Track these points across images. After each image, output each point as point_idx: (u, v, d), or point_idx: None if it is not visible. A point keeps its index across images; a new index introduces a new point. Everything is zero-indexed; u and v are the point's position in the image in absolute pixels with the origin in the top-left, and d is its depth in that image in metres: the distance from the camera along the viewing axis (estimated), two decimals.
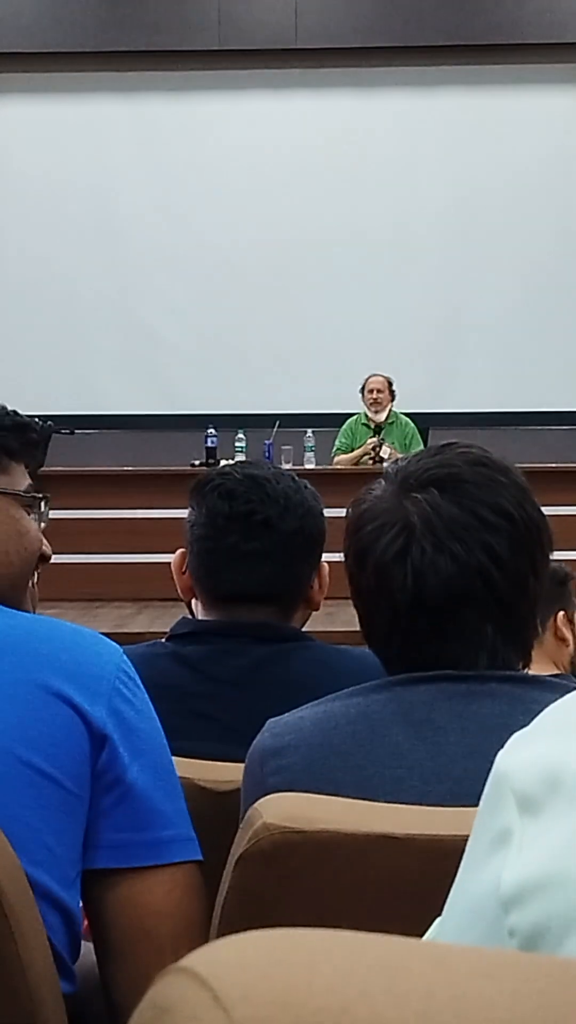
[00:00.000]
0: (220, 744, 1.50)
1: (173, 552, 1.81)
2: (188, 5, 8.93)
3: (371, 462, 7.21)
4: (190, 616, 1.81)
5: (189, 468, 7.01)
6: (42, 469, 1.47)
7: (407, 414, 7.68)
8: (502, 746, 0.63)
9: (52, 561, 1.44)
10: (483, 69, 8.95)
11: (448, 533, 1.19)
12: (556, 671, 2.36)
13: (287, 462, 7.18)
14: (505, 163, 8.89)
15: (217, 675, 1.65)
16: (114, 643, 1.26)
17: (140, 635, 4.50)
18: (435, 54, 8.90)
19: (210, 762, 1.43)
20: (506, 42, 8.86)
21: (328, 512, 1.78)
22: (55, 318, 8.97)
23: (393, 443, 7.36)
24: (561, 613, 2.43)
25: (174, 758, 1.26)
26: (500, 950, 0.50)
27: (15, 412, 1.43)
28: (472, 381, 8.90)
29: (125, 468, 7.36)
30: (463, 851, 0.62)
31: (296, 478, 1.78)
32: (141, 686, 1.23)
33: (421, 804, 1.10)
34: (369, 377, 7.61)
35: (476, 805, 0.62)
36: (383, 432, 7.47)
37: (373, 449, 7.28)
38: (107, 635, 1.27)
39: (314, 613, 1.84)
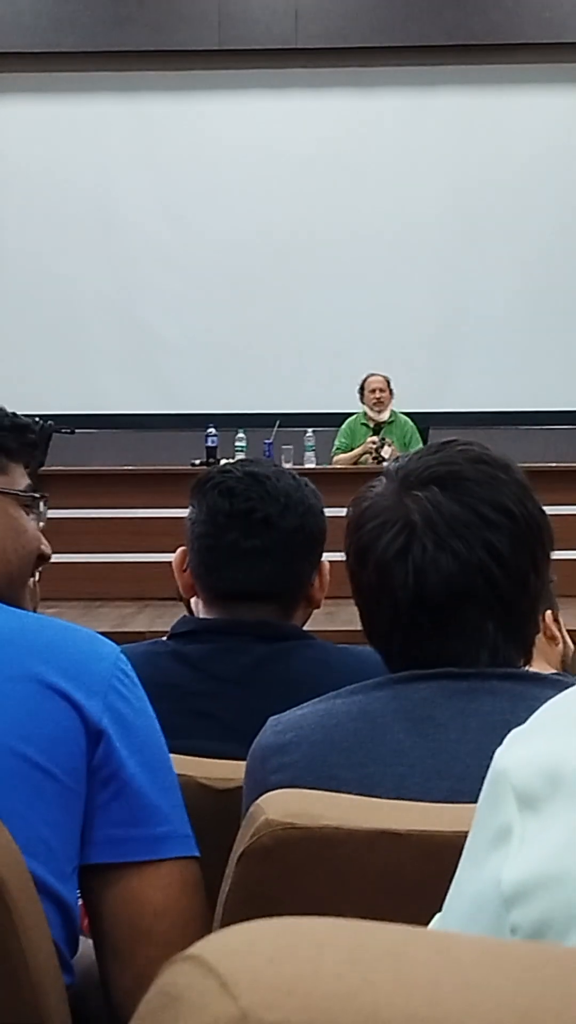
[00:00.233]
0: (221, 743, 1.50)
1: (173, 551, 1.82)
2: (188, 5, 8.93)
3: (373, 461, 7.21)
4: (190, 615, 1.82)
5: (189, 468, 7.01)
6: (42, 468, 1.47)
7: (407, 413, 7.68)
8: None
9: (52, 560, 1.44)
10: (483, 69, 8.95)
11: (449, 531, 1.20)
12: (549, 670, 2.36)
13: (287, 461, 7.18)
14: (505, 162, 8.89)
15: (218, 673, 1.65)
16: (112, 642, 1.27)
17: (140, 634, 4.50)
18: (435, 54, 8.90)
19: (212, 760, 1.43)
20: (506, 42, 8.86)
21: (328, 511, 1.78)
22: (55, 317, 8.97)
23: (393, 442, 7.36)
24: (548, 612, 2.43)
25: (176, 756, 1.27)
26: (505, 939, 0.50)
27: (13, 413, 1.45)
28: (472, 380, 8.90)
29: (125, 468, 7.36)
30: (464, 847, 0.63)
31: (297, 476, 1.79)
32: (138, 684, 1.24)
33: (423, 801, 1.11)
34: (368, 377, 7.61)
35: (477, 802, 0.63)
36: (382, 431, 7.47)
37: (376, 449, 7.27)
38: (107, 634, 1.28)
39: (314, 612, 1.84)
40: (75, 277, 8.95)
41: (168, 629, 1.74)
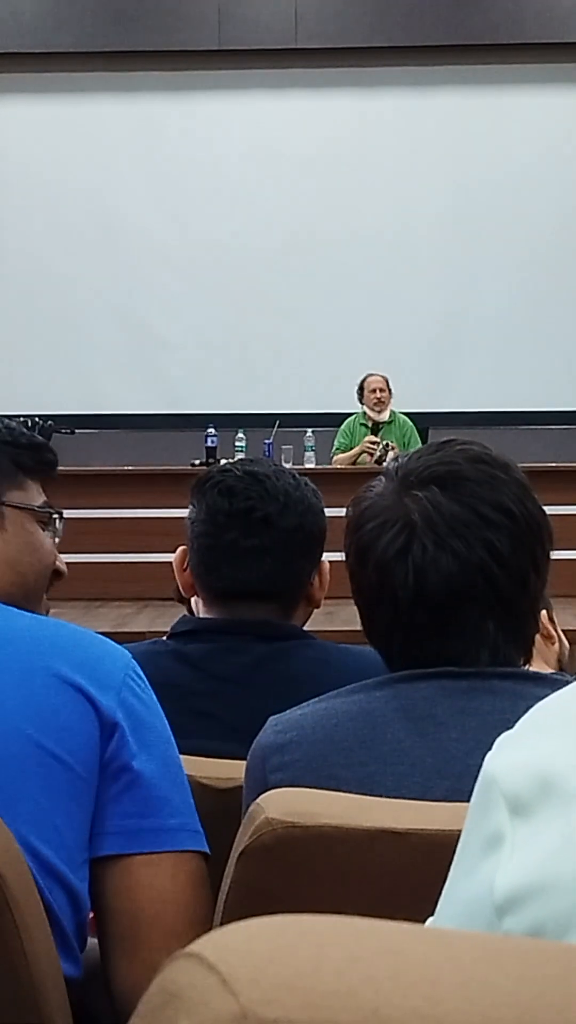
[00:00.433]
0: (222, 742, 1.50)
1: (173, 552, 1.82)
2: (188, 5, 8.93)
3: (374, 461, 7.20)
4: (189, 615, 1.82)
5: (189, 468, 7.01)
6: None
7: (407, 413, 7.68)
8: None
9: None
10: (483, 68, 8.95)
11: (449, 530, 1.20)
12: (547, 669, 2.36)
13: (287, 462, 7.17)
14: (505, 162, 8.89)
15: (218, 673, 1.65)
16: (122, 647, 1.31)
17: (141, 634, 4.50)
18: (435, 53, 8.90)
19: (212, 759, 1.43)
20: (506, 41, 8.86)
21: (328, 512, 1.78)
22: (56, 318, 8.97)
23: (395, 446, 7.35)
24: (543, 612, 2.44)
25: None
26: (505, 936, 0.50)
27: (32, 431, 1.49)
28: (472, 380, 8.90)
29: (125, 468, 7.36)
30: (455, 852, 0.62)
31: (297, 475, 1.79)
32: (149, 687, 1.27)
33: (423, 800, 1.11)
34: (367, 377, 7.60)
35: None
36: (382, 431, 7.46)
37: (382, 450, 7.24)
38: (107, 634, 1.31)
39: (314, 612, 1.84)
40: (75, 277, 8.95)
41: (168, 629, 1.75)
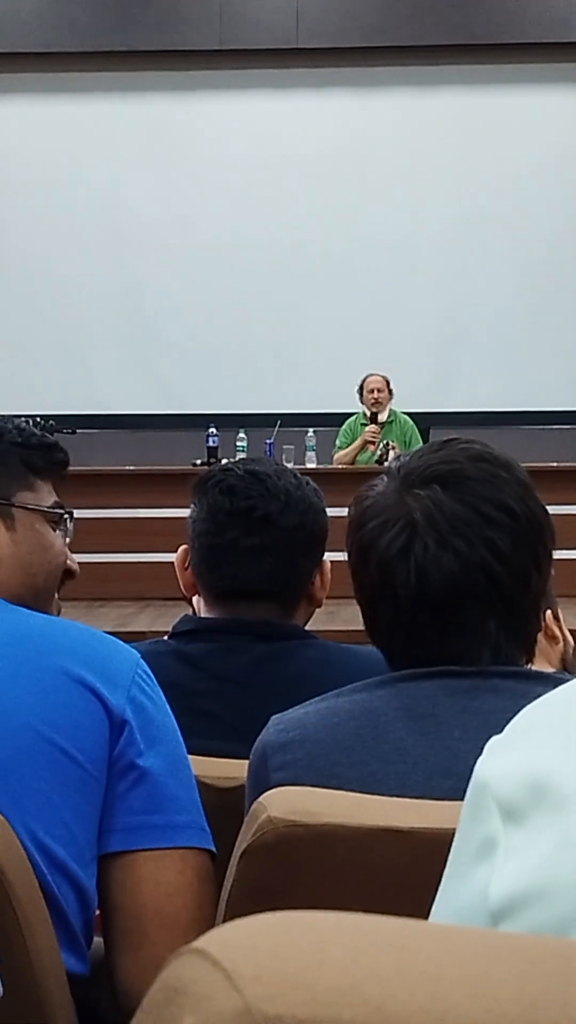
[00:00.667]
0: (223, 742, 1.50)
1: (174, 551, 1.82)
2: (189, 5, 8.93)
3: (375, 461, 7.21)
4: (192, 614, 1.82)
5: (190, 468, 7.01)
6: None
7: (408, 413, 7.68)
8: None
9: None
10: (485, 68, 8.95)
11: (451, 529, 1.20)
12: (550, 669, 2.36)
13: (288, 461, 7.16)
14: (507, 162, 8.89)
15: (220, 673, 1.65)
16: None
17: (142, 634, 4.50)
18: (437, 53, 8.90)
19: (214, 759, 1.43)
20: (508, 41, 8.86)
21: (329, 511, 1.78)
22: (57, 317, 8.97)
23: (394, 441, 7.36)
24: (548, 611, 2.44)
25: None
26: (508, 932, 0.50)
27: (43, 432, 1.50)
28: (473, 380, 8.90)
29: (126, 468, 7.36)
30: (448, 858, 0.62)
31: (298, 475, 1.79)
32: (158, 687, 1.28)
33: (425, 799, 1.11)
34: (367, 377, 7.60)
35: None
36: (382, 431, 7.47)
37: (383, 449, 7.23)
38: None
39: (315, 612, 1.84)
40: (76, 277, 8.96)
41: (169, 629, 1.75)
